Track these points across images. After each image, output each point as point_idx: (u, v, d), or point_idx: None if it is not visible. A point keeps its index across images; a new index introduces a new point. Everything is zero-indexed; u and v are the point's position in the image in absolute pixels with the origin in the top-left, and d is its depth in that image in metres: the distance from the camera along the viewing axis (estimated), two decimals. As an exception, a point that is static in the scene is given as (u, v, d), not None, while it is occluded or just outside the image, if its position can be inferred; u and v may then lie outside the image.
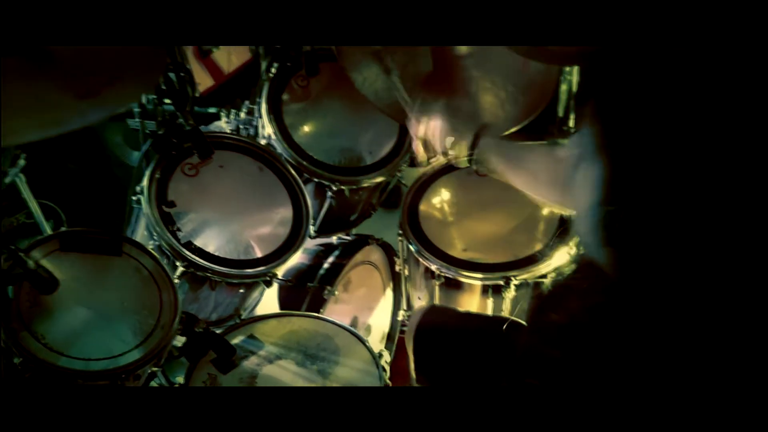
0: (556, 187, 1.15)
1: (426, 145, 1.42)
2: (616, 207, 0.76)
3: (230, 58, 2.21)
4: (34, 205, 1.72)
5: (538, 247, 1.66)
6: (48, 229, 1.84)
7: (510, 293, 1.59)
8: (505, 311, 1.63)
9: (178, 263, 1.47)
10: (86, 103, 1.11)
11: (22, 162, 1.48)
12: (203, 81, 2.15)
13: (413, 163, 1.80)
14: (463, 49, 1.64)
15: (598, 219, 0.78)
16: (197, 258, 1.48)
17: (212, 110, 2.08)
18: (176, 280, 1.44)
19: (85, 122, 1.09)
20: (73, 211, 2.43)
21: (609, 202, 0.77)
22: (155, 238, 1.48)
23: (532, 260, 1.62)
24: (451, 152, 1.38)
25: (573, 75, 1.70)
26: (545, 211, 1.72)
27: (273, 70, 1.71)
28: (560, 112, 1.74)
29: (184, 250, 1.47)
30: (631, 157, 0.74)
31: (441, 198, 1.81)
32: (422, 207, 1.77)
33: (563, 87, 1.74)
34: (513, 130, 1.64)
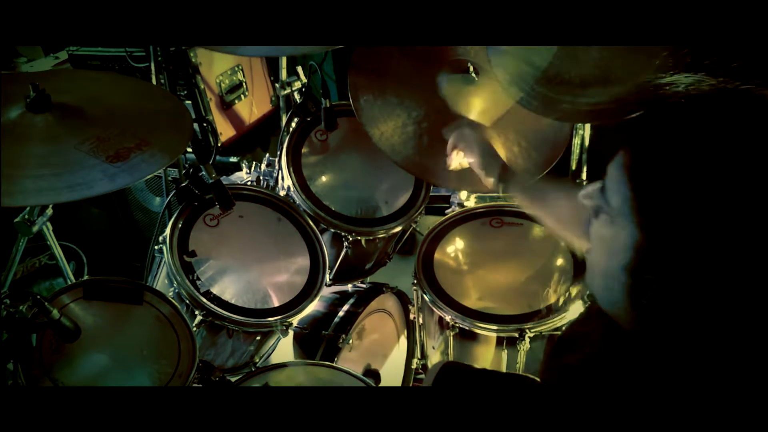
0: (577, 224, 1.17)
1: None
2: (653, 277, 0.72)
3: (252, 109, 2.29)
4: (57, 251, 1.76)
5: (553, 298, 1.67)
6: (70, 272, 1.88)
7: (525, 345, 1.59)
8: (520, 363, 1.63)
9: (197, 312, 1.50)
10: (115, 167, 1.15)
11: (50, 212, 1.53)
12: (225, 131, 2.23)
13: (429, 209, 1.85)
14: (477, 105, 1.68)
15: (625, 283, 0.74)
16: (216, 307, 1.51)
17: (234, 159, 2.15)
18: (194, 329, 1.46)
19: (113, 187, 1.12)
20: (94, 253, 2.49)
21: (640, 270, 0.73)
22: (175, 286, 1.52)
23: (547, 313, 1.62)
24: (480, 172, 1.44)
25: (585, 129, 1.73)
26: (559, 262, 1.73)
27: (293, 124, 1.76)
28: (573, 165, 1.77)
29: (203, 299, 1.50)
30: (669, 226, 0.69)
31: (455, 247, 1.83)
32: (437, 255, 1.79)
33: (576, 140, 1.78)
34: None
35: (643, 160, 0.72)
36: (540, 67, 1.48)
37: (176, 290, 1.52)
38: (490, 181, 1.42)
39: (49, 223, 1.63)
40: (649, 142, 0.72)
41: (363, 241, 1.79)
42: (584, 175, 1.72)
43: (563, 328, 1.60)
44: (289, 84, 1.83)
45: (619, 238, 0.74)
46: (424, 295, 1.71)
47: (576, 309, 1.62)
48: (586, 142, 1.75)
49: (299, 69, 1.85)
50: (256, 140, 2.37)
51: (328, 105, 1.72)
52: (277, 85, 1.86)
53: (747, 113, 0.69)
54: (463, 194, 1.88)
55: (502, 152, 1.68)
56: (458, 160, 1.53)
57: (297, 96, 1.83)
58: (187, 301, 1.50)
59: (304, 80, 1.84)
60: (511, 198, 1.86)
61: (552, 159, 1.67)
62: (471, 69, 1.63)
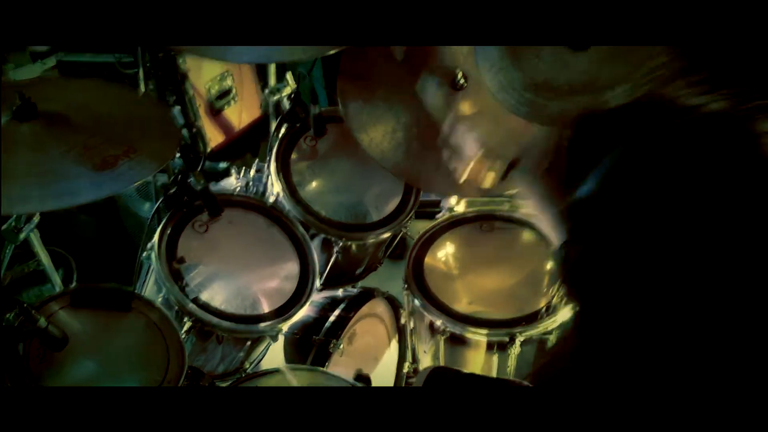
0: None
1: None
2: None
3: (241, 115, 2.29)
4: (45, 258, 1.75)
5: (543, 302, 1.67)
6: (58, 279, 1.87)
7: (515, 350, 1.60)
8: (511, 367, 1.63)
9: (185, 319, 1.49)
10: (103, 176, 1.15)
11: (36, 219, 1.53)
12: (215, 137, 2.23)
13: (420, 213, 1.85)
14: (466, 111, 1.69)
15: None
16: (205, 314, 1.50)
17: (223, 165, 2.14)
18: (183, 335, 1.46)
19: (100, 195, 1.12)
20: (83, 259, 2.47)
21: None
22: (164, 293, 1.51)
23: (537, 317, 1.63)
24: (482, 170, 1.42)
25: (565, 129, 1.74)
26: (549, 266, 1.74)
27: (282, 131, 1.76)
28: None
29: (191, 306, 1.49)
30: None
31: (446, 251, 1.84)
32: (428, 260, 1.79)
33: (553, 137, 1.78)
34: (515, 191, 1.67)
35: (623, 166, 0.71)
36: (528, 73, 1.49)
37: (165, 297, 1.51)
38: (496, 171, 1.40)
39: (36, 230, 1.62)
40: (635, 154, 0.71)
41: (353, 247, 1.79)
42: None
43: (553, 332, 1.61)
44: (279, 90, 1.83)
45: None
46: (415, 300, 1.72)
47: (566, 313, 1.63)
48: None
49: (288, 75, 1.85)
50: (245, 146, 2.37)
51: (317, 111, 1.72)
52: (266, 91, 1.86)
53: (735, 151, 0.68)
54: (453, 199, 1.89)
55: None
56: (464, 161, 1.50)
57: (286, 102, 1.83)
58: (176, 308, 1.50)
59: (293, 86, 1.84)
60: (500, 202, 1.88)
61: (543, 163, 1.68)
62: (460, 75, 1.63)
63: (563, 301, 1.62)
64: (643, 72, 1.37)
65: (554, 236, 1.29)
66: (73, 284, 2.34)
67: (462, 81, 1.64)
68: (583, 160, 0.73)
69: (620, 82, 1.40)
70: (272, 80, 1.87)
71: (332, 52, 1.48)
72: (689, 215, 0.66)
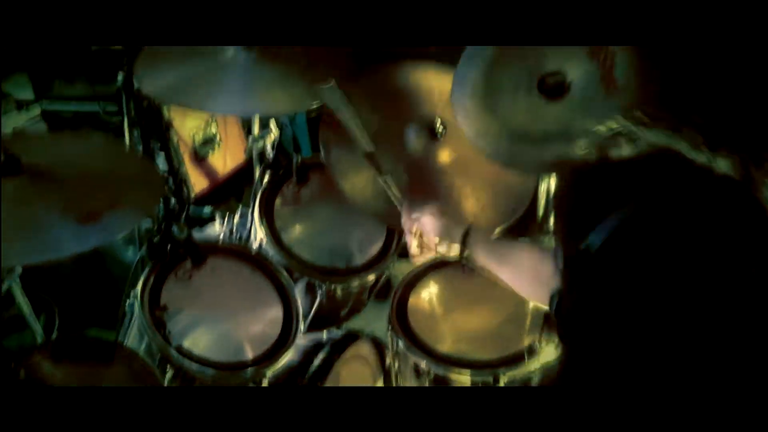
0: (539, 285, 1.19)
1: (418, 239, 1.48)
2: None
3: (225, 161, 2.31)
4: (26, 307, 1.74)
5: (527, 341, 1.69)
6: (39, 328, 1.86)
7: (499, 391, 1.60)
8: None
9: (168, 367, 1.49)
10: (86, 228, 1.17)
11: (19, 269, 1.53)
12: (199, 183, 2.25)
13: (403, 254, 1.87)
14: (444, 158, 1.73)
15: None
16: (187, 361, 1.50)
17: (207, 210, 2.16)
18: (167, 384, 1.46)
19: (84, 248, 1.13)
20: (66, 304, 2.45)
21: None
22: (147, 341, 1.51)
23: (520, 357, 1.64)
24: (440, 249, 1.44)
25: (551, 178, 1.79)
26: (532, 306, 1.76)
27: (266, 178, 1.79)
28: (540, 213, 1.82)
29: (174, 354, 1.49)
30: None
31: (430, 292, 1.85)
32: (411, 300, 1.80)
33: (542, 188, 1.83)
34: (495, 233, 1.71)
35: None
36: (504, 121, 1.54)
37: (147, 345, 1.51)
38: (455, 246, 1.41)
39: (18, 280, 1.63)
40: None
41: (338, 290, 1.81)
42: (551, 223, 1.77)
43: (536, 372, 1.62)
44: (262, 137, 1.86)
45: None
46: (399, 342, 1.72)
47: (549, 352, 1.64)
48: (552, 191, 1.80)
49: (272, 122, 1.89)
50: (229, 191, 2.39)
51: (299, 160, 1.76)
52: (250, 138, 1.89)
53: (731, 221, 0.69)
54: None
55: (470, 202, 1.73)
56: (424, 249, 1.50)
57: (270, 149, 1.86)
58: (159, 356, 1.50)
59: (277, 134, 1.88)
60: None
61: (519, 208, 1.73)
62: (438, 124, 1.68)
63: (546, 342, 1.64)
64: (618, 122, 1.43)
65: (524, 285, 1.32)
66: (56, 329, 2.32)
67: (441, 129, 1.68)
68: (588, 210, 0.73)
69: (593, 131, 1.46)
70: (256, 127, 1.91)
71: (314, 106, 1.52)
72: (696, 280, 0.67)
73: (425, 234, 1.46)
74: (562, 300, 0.75)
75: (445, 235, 1.42)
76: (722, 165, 0.72)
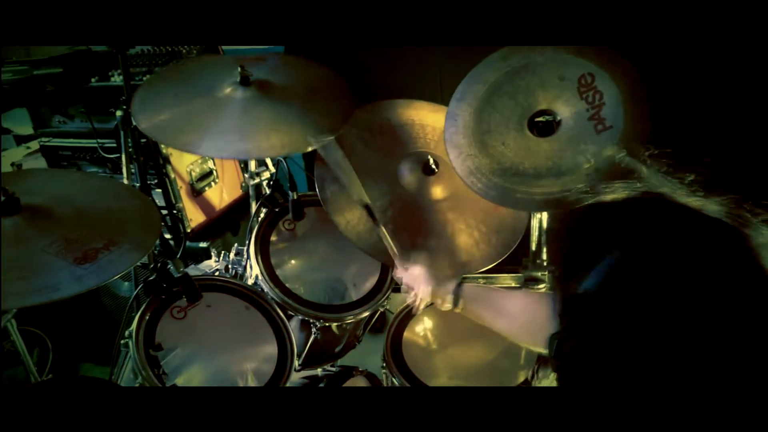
0: (535, 330, 1.19)
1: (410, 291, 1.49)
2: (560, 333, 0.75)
3: (222, 195, 2.33)
4: (19, 344, 1.74)
5: (522, 375, 1.69)
6: (32, 365, 1.85)
7: (493, 428, 1.60)
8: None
9: (163, 407, 1.48)
10: (83, 269, 1.17)
11: (14, 309, 1.53)
12: (196, 217, 2.26)
13: (397, 288, 1.88)
14: (438, 194, 1.75)
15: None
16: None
17: (204, 245, 2.17)
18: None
19: (81, 288, 1.14)
20: (60, 339, 2.44)
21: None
22: (140, 380, 1.50)
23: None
24: (436, 300, 1.45)
25: (542, 213, 1.81)
26: (526, 340, 1.76)
27: (262, 214, 1.80)
28: (533, 247, 1.83)
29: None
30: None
31: (424, 326, 1.85)
32: (406, 335, 1.80)
33: (534, 223, 1.85)
34: (488, 267, 1.72)
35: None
36: (495, 159, 1.56)
37: (141, 384, 1.50)
38: (449, 300, 1.42)
39: (13, 320, 1.62)
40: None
41: (332, 326, 1.80)
42: (543, 256, 1.78)
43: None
44: (258, 174, 1.88)
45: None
46: (393, 380, 1.72)
47: (545, 386, 1.64)
48: (545, 224, 1.82)
49: (268, 159, 1.92)
50: (225, 225, 2.40)
51: (295, 197, 1.77)
52: (246, 175, 1.91)
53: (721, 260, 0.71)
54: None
55: (463, 237, 1.74)
56: (419, 299, 1.51)
57: (266, 186, 1.88)
58: (153, 396, 1.49)
59: (273, 170, 1.90)
60: (474, 279, 1.91)
61: (512, 242, 1.74)
62: (431, 161, 1.70)
63: (542, 379, 1.64)
64: (604, 158, 1.46)
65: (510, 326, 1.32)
66: (49, 364, 2.31)
67: (433, 166, 1.71)
68: (583, 254, 0.75)
69: (581, 167, 1.49)
70: (252, 164, 1.93)
71: (310, 149, 1.54)
72: (688, 322, 0.69)
73: (417, 286, 1.46)
74: (560, 343, 0.77)
75: (437, 287, 1.44)
76: (714, 208, 0.74)
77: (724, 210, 0.74)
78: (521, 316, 1.27)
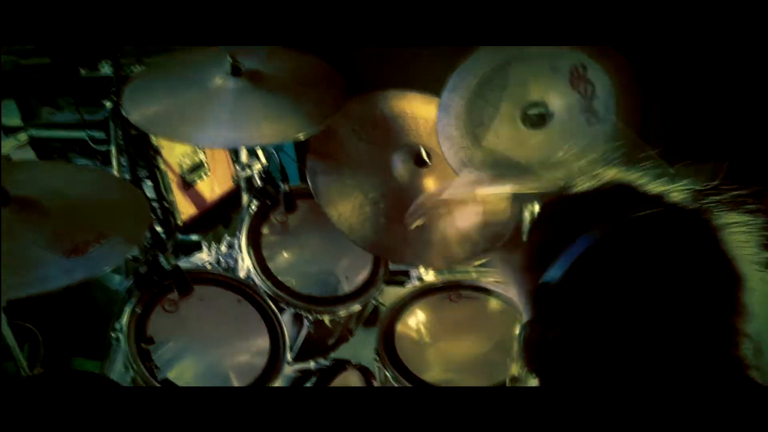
0: None
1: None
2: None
3: (213, 187, 2.32)
4: (10, 338, 1.72)
5: (514, 369, 1.69)
6: (22, 359, 1.84)
7: (485, 420, 1.60)
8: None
9: (154, 400, 1.47)
10: (73, 261, 1.16)
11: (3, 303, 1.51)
12: (186, 210, 2.25)
13: (390, 281, 1.88)
14: (430, 186, 1.75)
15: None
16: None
17: (195, 238, 2.16)
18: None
19: (70, 281, 1.13)
20: (51, 333, 2.42)
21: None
22: (131, 373, 1.50)
23: (509, 384, 1.64)
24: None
25: (534, 204, 1.81)
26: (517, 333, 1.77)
27: (253, 206, 1.79)
28: (524, 238, 1.83)
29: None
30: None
31: (417, 320, 1.85)
32: (399, 329, 1.80)
33: (526, 215, 1.85)
34: (481, 260, 1.73)
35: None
36: (487, 151, 1.56)
37: (132, 378, 1.50)
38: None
39: (3, 314, 1.61)
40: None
41: (326, 320, 1.80)
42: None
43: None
44: (250, 166, 1.87)
45: None
46: (386, 372, 1.72)
47: (534, 381, 1.64)
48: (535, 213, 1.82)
49: (259, 150, 1.90)
50: (217, 217, 2.39)
51: (287, 189, 1.76)
52: (237, 167, 1.90)
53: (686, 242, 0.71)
54: (422, 269, 1.92)
55: (455, 229, 1.74)
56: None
57: (257, 178, 1.87)
58: (145, 390, 1.48)
59: (264, 162, 1.89)
60: (466, 272, 1.92)
61: (504, 234, 1.74)
62: (423, 153, 1.70)
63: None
64: (598, 150, 1.46)
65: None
66: (40, 359, 2.29)
67: (426, 158, 1.70)
68: (549, 243, 0.75)
69: (574, 159, 1.49)
70: (243, 155, 1.92)
71: (301, 137, 1.54)
72: (652, 306, 0.69)
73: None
74: (526, 333, 0.78)
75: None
76: (676, 195, 0.75)
77: (686, 196, 0.75)
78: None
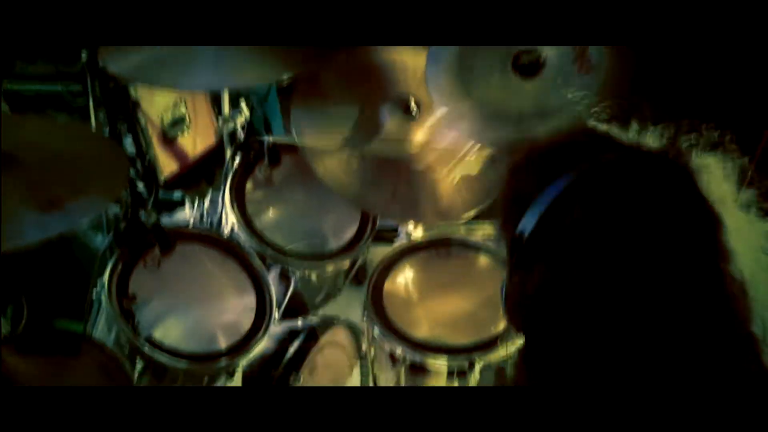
0: None
1: None
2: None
3: (195, 143, 2.25)
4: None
5: (501, 325, 1.69)
6: (5, 322, 1.81)
7: (475, 376, 1.61)
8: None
9: (138, 359, 1.45)
10: (49, 216, 1.12)
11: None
12: (168, 166, 2.19)
13: (378, 238, 1.85)
14: (419, 138, 1.71)
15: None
16: (158, 353, 1.46)
17: (177, 195, 2.11)
18: (137, 376, 1.42)
19: (47, 234, 1.09)
20: (34, 294, 2.39)
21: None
22: (115, 332, 1.47)
23: (495, 342, 1.64)
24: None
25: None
26: (507, 289, 1.76)
27: (237, 160, 1.74)
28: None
29: (144, 346, 1.45)
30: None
31: (405, 277, 1.84)
32: (387, 286, 1.79)
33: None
34: (471, 213, 1.70)
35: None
36: (479, 101, 1.52)
37: (116, 336, 1.47)
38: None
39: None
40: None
41: (313, 276, 1.78)
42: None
43: (511, 357, 1.63)
44: (233, 118, 1.81)
45: None
46: (375, 329, 1.71)
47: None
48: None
49: (243, 102, 1.84)
50: (200, 174, 2.34)
51: (270, 142, 1.71)
52: (220, 119, 1.84)
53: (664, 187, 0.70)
54: (410, 225, 1.89)
55: (444, 183, 1.71)
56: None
57: (241, 131, 1.82)
58: (128, 348, 1.46)
59: (248, 115, 1.83)
60: (456, 228, 1.89)
61: (494, 188, 1.71)
62: (412, 103, 1.65)
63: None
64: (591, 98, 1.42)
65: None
66: (23, 321, 2.27)
67: (415, 109, 1.66)
68: (523, 194, 0.73)
69: (566, 108, 1.45)
70: (226, 107, 1.86)
71: (286, 78, 1.48)
72: (629, 251, 0.67)
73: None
74: (505, 286, 0.76)
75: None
76: (651, 141, 0.73)
77: (661, 142, 0.74)
78: None
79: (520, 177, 0.77)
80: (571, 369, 0.70)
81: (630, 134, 0.75)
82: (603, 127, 0.77)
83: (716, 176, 0.71)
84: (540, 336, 0.73)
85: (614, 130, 0.76)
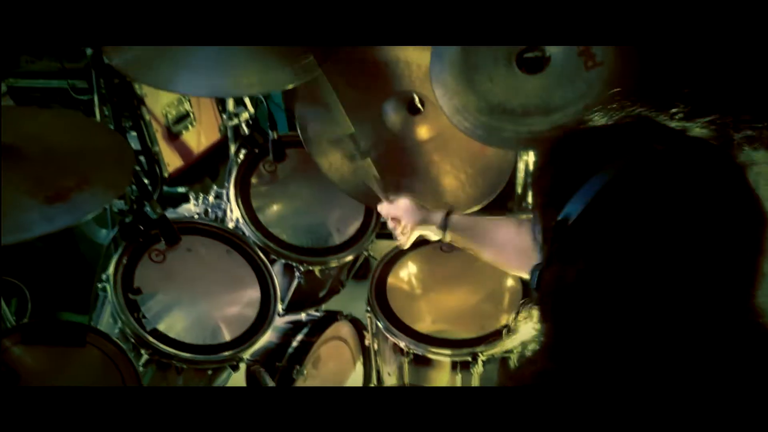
0: (525, 257, 1.18)
1: (395, 224, 1.46)
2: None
3: (200, 138, 2.27)
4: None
5: (505, 319, 1.69)
6: (9, 314, 1.82)
7: (478, 369, 1.61)
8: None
9: (142, 351, 1.46)
10: (54, 208, 1.13)
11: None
12: (173, 162, 2.20)
13: (382, 233, 1.86)
14: (423, 135, 1.71)
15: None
16: (162, 345, 1.47)
17: (182, 190, 2.11)
18: (141, 368, 1.43)
19: (52, 228, 1.10)
20: (38, 288, 2.40)
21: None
22: (120, 324, 1.48)
23: (499, 334, 1.64)
24: (422, 231, 1.42)
25: (529, 154, 1.78)
26: (509, 283, 1.76)
27: (241, 155, 1.75)
28: (518, 190, 1.81)
29: (148, 337, 1.46)
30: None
31: (408, 271, 1.84)
32: (390, 280, 1.79)
33: (520, 165, 1.82)
34: (474, 209, 1.70)
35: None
36: (482, 97, 1.52)
37: (121, 329, 1.48)
38: (437, 231, 1.39)
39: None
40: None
41: (316, 271, 1.78)
42: (529, 199, 1.76)
43: (514, 350, 1.63)
44: (237, 114, 1.82)
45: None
46: (378, 322, 1.72)
47: (527, 330, 1.64)
48: (531, 167, 1.80)
49: (247, 99, 1.85)
50: (204, 169, 2.35)
51: (275, 137, 1.72)
52: (224, 115, 1.85)
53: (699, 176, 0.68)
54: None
55: (449, 179, 1.71)
56: (407, 234, 1.46)
57: (245, 127, 1.82)
58: (133, 340, 1.47)
59: (252, 110, 1.83)
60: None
61: (498, 184, 1.71)
62: (416, 100, 1.66)
63: (524, 320, 1.64)
64: (595, 94, 1.42)
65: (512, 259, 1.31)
66: (28, 314, 2.28)
67: (419, 105, 1.66)
68: (563, 181, 0.72)
69: (571, 104, 1.45)
70: (230, 104, 1.86)
71: (290, 86, 1.49)
72: (675, 242, 0.66)
73: (404, 218, 1.43)
74: (541, 274, 0.73)
75: (421, 221, 1.40)
76: (698, 131, 0.72)
77: (708, 132, 0.72)
78: (510, 245, 1.26)
79: (562, 162, 0.75)
80: (601, 362, 0.69)
81: (674, 123, 0.73)
82: (647, 112, 0.75)
83: (764, 173, 0.70)
84: (574, 326, 0.71)
85: (659, 117, 0.74)
